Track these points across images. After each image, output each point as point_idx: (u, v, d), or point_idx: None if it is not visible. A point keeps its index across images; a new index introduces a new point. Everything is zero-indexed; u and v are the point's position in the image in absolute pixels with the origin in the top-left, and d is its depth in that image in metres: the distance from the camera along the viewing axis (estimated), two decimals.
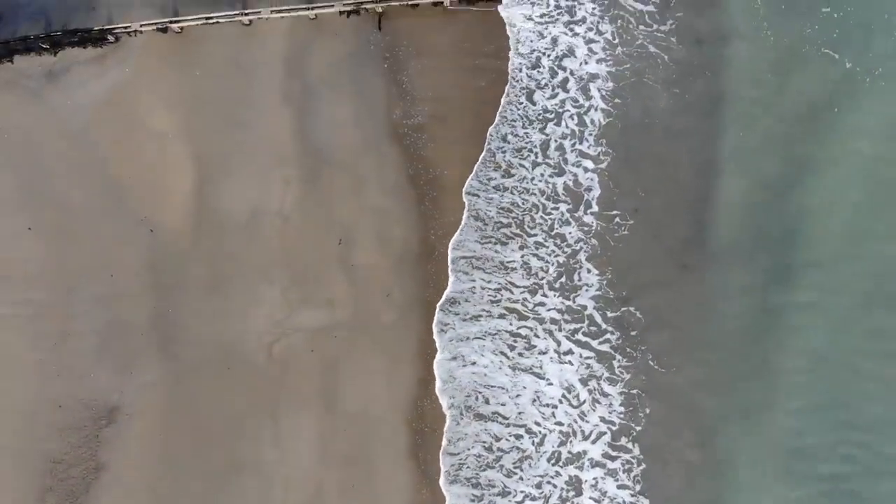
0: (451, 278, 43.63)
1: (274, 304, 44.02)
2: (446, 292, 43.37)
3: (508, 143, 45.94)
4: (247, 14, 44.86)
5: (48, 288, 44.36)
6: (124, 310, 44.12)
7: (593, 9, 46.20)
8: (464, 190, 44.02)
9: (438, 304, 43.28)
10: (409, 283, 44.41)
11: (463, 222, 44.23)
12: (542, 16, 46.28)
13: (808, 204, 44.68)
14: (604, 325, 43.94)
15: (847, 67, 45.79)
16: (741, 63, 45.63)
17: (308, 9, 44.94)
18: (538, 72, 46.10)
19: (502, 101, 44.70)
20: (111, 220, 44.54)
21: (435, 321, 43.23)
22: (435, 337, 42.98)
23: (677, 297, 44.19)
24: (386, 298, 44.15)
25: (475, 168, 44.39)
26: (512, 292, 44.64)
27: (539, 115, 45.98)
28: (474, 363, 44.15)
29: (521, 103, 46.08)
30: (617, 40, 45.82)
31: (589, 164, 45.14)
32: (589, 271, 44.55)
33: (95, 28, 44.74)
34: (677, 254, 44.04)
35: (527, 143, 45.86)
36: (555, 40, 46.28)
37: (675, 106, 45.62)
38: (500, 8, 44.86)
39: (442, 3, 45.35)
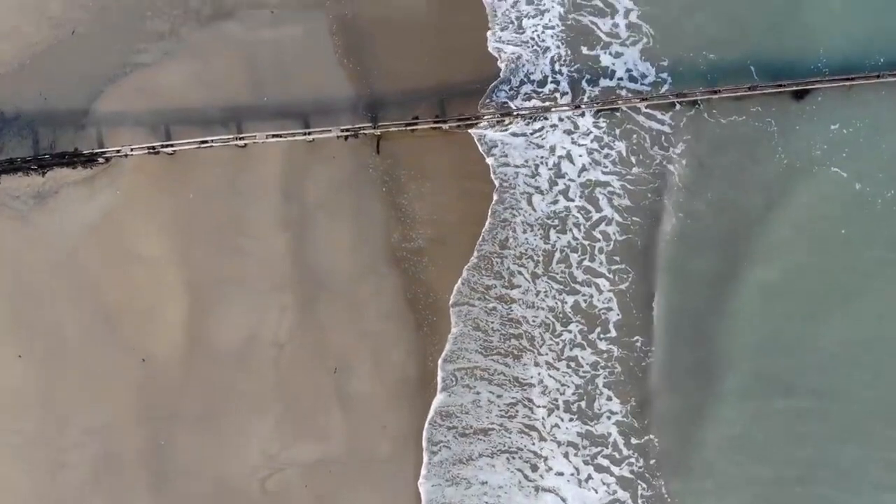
0: (441, 394, 43.08)
1: (267, 437, 42.81)
2: (435, 403, 42.78)
3: (508, 248, 45.07)
4: (242, 138, 43.82)
5: (39, 417, 43.13)
6: (116, 442, 42.87)
7: (597, 121, 45.40)
8: (451, 298, 43.38)
9: (428, 419, 42.70)
10: (407, 414, 43.25)
11: (452, 331, 43.58)
12: (533, 132, 45.35)
13: (826, 339, 43.70)
14: (626, 452, 43.19)
15: (857, 189, 44.83)
16: (752, 185, 44.59)
17: (305, 133, 43.84)
18: (536, 179, 45.18)
19: (493, 199, 43.87)
20: (102, 349, 43.33)
21: (424, 438, 42.62)
22: (424, 455, 42.46)
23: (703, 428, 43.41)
24: (382, 430, 43.00)
25: (463, 272, 43.78)
26: (530, 410, 43.76)
27: (540, 220, 45.19)
28: (485, 482, 43.40)
29: (521, 207, 45.10)
30: (630, 156, 44.92)
31: (604, 283, 44.43)
32: (609, 399, 43.78)
33: (85, 152, 43.72)
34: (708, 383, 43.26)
35: (527, 249, 45.19)
36: (553, 149, 45.24)
37: (688, 227, 44.51)
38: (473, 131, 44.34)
39: (440, 123, 44.24)
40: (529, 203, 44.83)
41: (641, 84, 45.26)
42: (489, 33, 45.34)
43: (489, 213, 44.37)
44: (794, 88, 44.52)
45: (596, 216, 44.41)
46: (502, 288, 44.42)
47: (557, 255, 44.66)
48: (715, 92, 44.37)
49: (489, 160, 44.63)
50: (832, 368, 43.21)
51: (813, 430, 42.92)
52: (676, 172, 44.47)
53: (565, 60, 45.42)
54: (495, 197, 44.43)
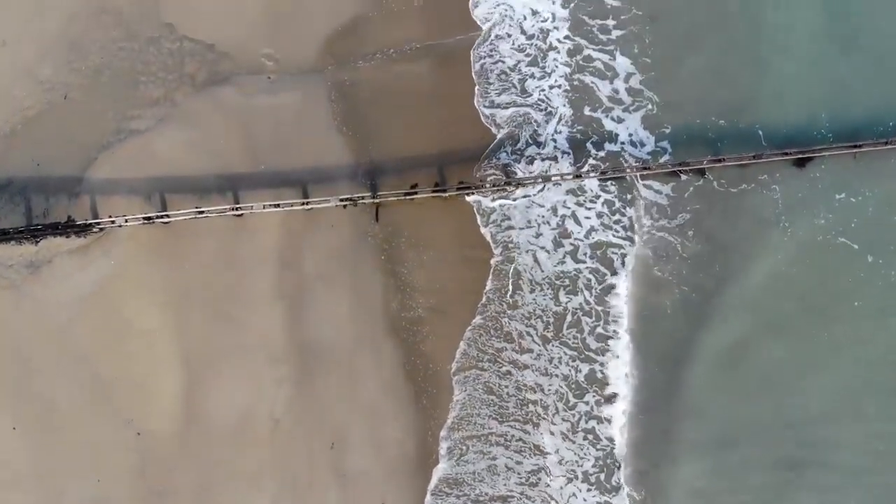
0: (444, 463, 42.56)
1: None
2: (437, 472, 42.14)
3: (517, 308, 44.32)
4: (239, 209, 43.05)
5: (34, 491, 42.39)
6: None
7: (603, 185, 44.66)
8: (455, 362, 42.78)
9: (429, 488, 42.22)
10: (405, 491, 42.67)
11: (458, 397, 43.00)
12: (536, 192, 44.72)
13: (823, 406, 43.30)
14: None
15: (869, 261, 44.14)
16: (758, 256, 43.79)
17: (303, 203, 43.04)
18: (539, 239, 44.44)
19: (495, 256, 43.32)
20: (98, 421, 42.54)
21: None
22: None
23: None
24: None
25: (465, 333, 43.15)
26: (546, 477, 43.34)
27: (548, 279, 44.43)
28: None
29: (527, 264, 44.35)
30: (631, 223, 44.26)
31: (622, 353, 43.71)
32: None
33: (79, 222, 42.87)
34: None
35: (535, 309, 44.38)
36: (555, 209, 44.53)
37: (692, 299, 43.75)
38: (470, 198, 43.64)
39: (440, 191, 43.47)
40: (535, 261, 44.18)
41: (642, 151, 44.42)
42: (479, 98, 44.41)
43: (491, 272, 43.66)
44: (800, 156, 43.79)
45: (609, 280, 43.76)
46: (513, 352, 43.83)
47: (569, 318, 44.26)
48: (719, 161, 43.62)
49: (487, 230, 43.75)
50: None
51: None
52: (679, 243, 43.77)
53: (565, 124, 44.53)
54: (499, 256, 43.71)
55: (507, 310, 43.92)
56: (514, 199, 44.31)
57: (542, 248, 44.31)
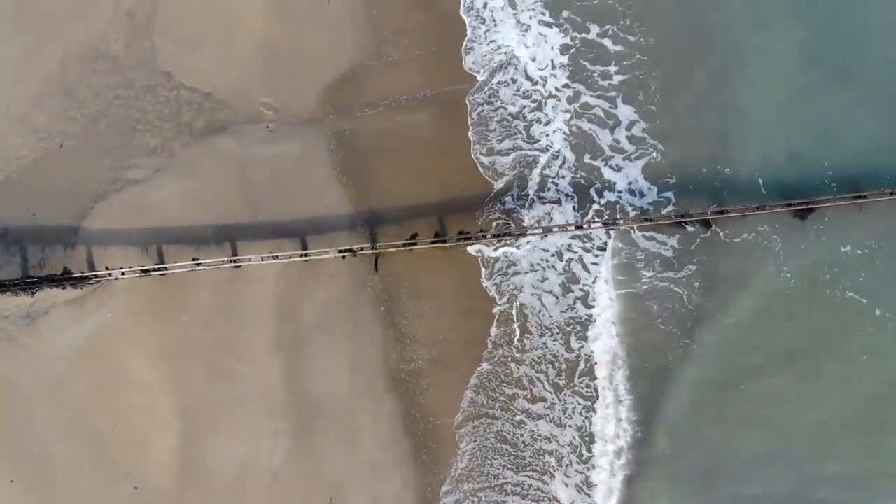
0: None
1: None
2: None
3: (526, 352, 43.53)
4: (236, 261, 42.61)
5: None
6: None
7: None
8: (459, 414, 42.35)
9: None
10: None
11: (464, 448, 42.71)
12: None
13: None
14: None
15: (877, 315, 43.51)
16: (764, 310, 43.24)
17: (302, 255, 42.59)
18: (546, 283, 43.78)
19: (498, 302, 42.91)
20: (95, 475, 42.18)
21: None
22: None
23: None
24: None
25: (471, 380, 42.75)
26: None
27: (559, 324, 43.60)
28: None
29: (535, 307, 43.50)
30: (632, 275, 43.70)
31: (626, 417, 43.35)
32: None
33: (75, 275, 42.42)
34: None
35: (546, 353, 43.67)
36: (560, 254, 44.05)
37: (696, 354, 43.23)
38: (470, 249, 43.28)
39: (440, 241, 42.93)
40: (543, 305, 43.61)
41: (643, 200, 43.95)
42: (476, 146, 43.96)
43: (496, 319, 43.10)
44: (804, 207, 43.33)
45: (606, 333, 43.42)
46: (525, 400, 43.41)
47: (582, 365, 43.68)
48: (722, 212, 43.14)
49: (491, 283, 43.23)
50: None
51: None
52: (683, 295, 43.32)
53: (568, 169, 43.98)
54: (504, 304, 43.10)
55: (515, 354, 43.44)
56: (518, 246, 44.12)
57: (549, 292, 43.94)
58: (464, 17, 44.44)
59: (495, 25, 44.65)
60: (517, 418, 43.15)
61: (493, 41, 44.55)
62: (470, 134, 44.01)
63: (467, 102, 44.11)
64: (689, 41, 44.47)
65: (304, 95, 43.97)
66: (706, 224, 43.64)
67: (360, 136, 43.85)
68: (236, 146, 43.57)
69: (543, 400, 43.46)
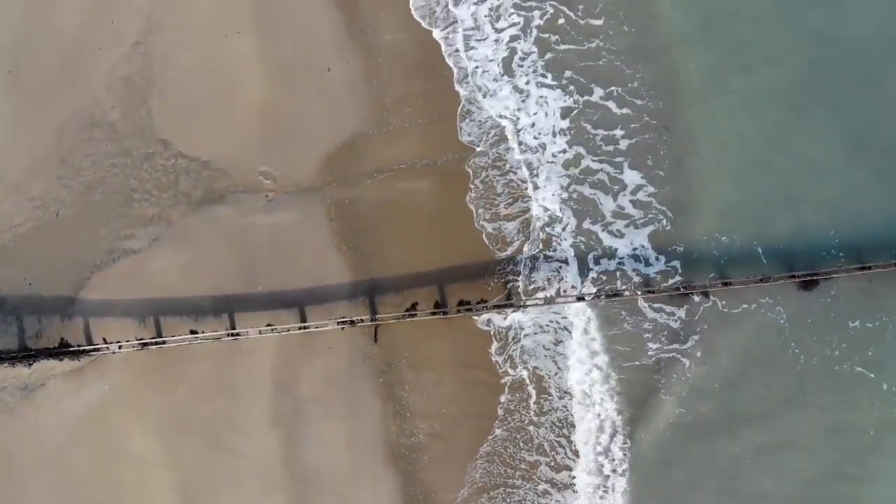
0: None
1: None
2: None
3: (543, 415, 42.69)
4: (234, 334, 42.09)
5: None
6: None
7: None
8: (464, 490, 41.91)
9: None
10: None
11: None
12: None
13: None
14: None
15: (884, 389, 42.54)
16: (769, 386, 42.33)
17: (300, 328, 42.08)
18: (560, 346, 42.93)
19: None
20: None
21: None
22: None
23: None
24: None
25: (485, 446, 42.12)
26: None
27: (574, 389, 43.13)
28: None
29: (551, 370, 42.73)
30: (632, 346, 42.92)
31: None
32: None
33: (72, 349, 41.99)
34: None
35: (566, 415, 42.95)
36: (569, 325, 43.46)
37: (697, 427, 42.62)
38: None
39: (440, 312, 42.31)
40: (558, 367, 42.78)
41: (647, 269, 43.13)
42: (477, 213, 43.25)
43: (508, 385, 42.34)
44: (809, 279, 42.58)
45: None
46: (548, 468, 42.56)
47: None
48: (726, 284, 42.43)
49: (500, 354, 42.45)
50: None
51: None
52: (685, 367, 42.56)
53: (571, 234, 43.19)
54: (520, 371, 42.36)
55: (533, 417, 42.59)
56: (525, 311, 43.22)
57: (562, 354, 43.00)
58: (458, 90, 43.87)
59: (492, 95, 43.99)
60: (540, 488, 42.60)
61: (490, 111, 43.69)
62: (470, 202, 43.24)
63: (468, 169, 43.54)
64: (697, 108, 43.71)
65: (304, 164, 43.40)
66: (707, 294, 42.89)
67: (360, 204, 43.25)
68: (235, 216, 43.05)
69: (568, 468, 42.81)
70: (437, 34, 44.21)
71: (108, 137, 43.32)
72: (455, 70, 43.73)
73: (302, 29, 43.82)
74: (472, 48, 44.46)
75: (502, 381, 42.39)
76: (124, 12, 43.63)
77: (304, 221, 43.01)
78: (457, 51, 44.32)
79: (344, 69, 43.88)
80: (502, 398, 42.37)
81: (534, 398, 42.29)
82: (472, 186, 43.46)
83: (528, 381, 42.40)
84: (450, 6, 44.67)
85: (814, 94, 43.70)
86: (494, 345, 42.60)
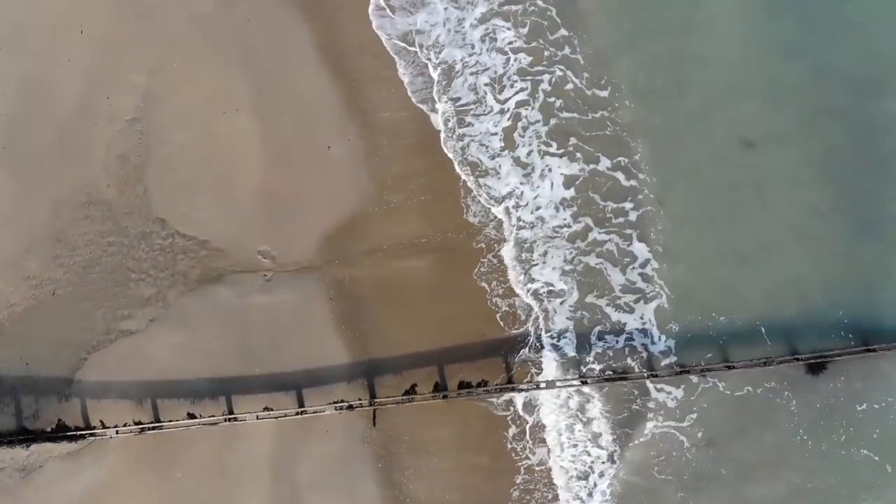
0: None
1: None
2: None
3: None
4: (233, 419, 41.70)
5: None
6: None
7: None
8: None
9: None
10: None
11: None
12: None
13: None
14: None
15: (888, 471, 42.17)
16: (774, 469, 42.12)
17: (298, 413, 41.63)
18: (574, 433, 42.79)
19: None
20: None
21: None
22: None
23: None
24: None
25: None
26: None
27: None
28: None
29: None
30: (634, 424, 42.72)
31: None
32: None
33: (69, 433, 41.59)
34: None
35: None
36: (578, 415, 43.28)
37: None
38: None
39: (440, 394, 41.81)
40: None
41: (652, 347, 42.79)
42: (492, 286, 42.79)
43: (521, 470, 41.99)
44: (815, 360, 42.10)
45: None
46: None
47: None
48: (729, 367, 42.06)
49: (515, 444, 42.08)
50: None
51: None
52: (687, 449, 42.25)
53: (574, 310, 42.93)
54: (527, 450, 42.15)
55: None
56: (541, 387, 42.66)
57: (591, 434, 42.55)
58: (459, 172, 43.37)
59: (496, 174, 43.52)
60: None
61: (494, 189, 43.32)
62: (479, 278, 42.75)
63: (479, 246, 42.98)
64: (696, 183, 43.47)
65: (303, 243, 42.86)
66: (707, 373, 42.54)
67: (359, 283, 42.73)
68: (233, 296, 42.53)
69: None
70: (434, 120, 43.66)
71: (105, 216, 42.74)
72: (452, 155, 43.34)
73: (301, 107, 43.30)
74: (469, 124, 44.09)
75: (519, 463, 42.08)
76: (120, 88, 42.99)
77: (303, 302, 42.51)
78: (457, 137, 43.82)
79: (344, 147, 43.31)
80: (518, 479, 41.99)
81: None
82: (483, 261, 42.89)
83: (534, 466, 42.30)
84: (442, 84, 44.06)
85: (821, 170, 43.33)
86: (512, 429, 42.16)
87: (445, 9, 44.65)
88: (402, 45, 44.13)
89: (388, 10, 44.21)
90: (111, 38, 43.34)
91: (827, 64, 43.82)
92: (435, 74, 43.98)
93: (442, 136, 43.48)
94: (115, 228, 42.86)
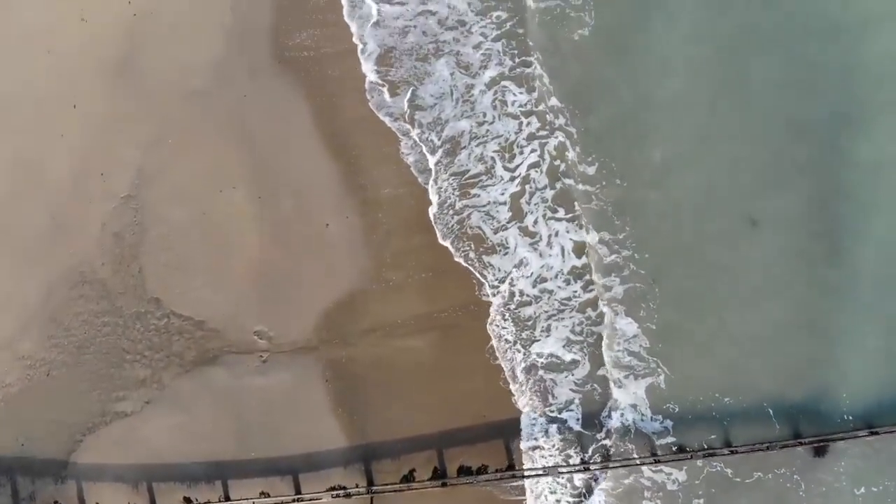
0: None
1: None
2: None
3: None
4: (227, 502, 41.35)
5: None
6: None
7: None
8: None
9: None
10: None
11: None
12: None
13: None
14: None
15: None
16: None
17: (294, 500, 41.11)
18: None
19: None
20: None
21: None
22: None
23: None
24: None
25: None
26: None
27: None
28: None
29: None
30: None
31: None
32: None
33: None
34: None
35: None
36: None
37: None
38: None
39: (439, 480, 41.13)
40: None
41: (654, 427, 42.24)
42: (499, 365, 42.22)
43: None
44: (818, 443, 41.48)
45: None
46: None
47: None
48: (733, 452, 41.58)
49: None
50: None
51: None
52: None
53: (578, 389, 42.38)
54: None
55: None
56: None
57: None
58: (463, 263, 42.68)
59: (503, 252, 42.85)
60: None
61: (496, 263, 42.80)
62: (478, 357, 42.11)
63: (475, 325, 42.27)
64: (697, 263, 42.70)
65: (300, 323, 42.22)
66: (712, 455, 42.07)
67: (357, 364, 42.09)
68: (228, 378, 41.96)
69: None
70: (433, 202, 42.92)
71: (99, 295, 42.18)
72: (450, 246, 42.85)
73: (299, 184, 42.50)
74: (476, 196, 43.33)
75: None
76: (115, 164, 42.21)
77: (299, 383, 41.91)
78: (455, 212, 43.09)
79: (342, 224, 42.56)
80: None
81: None
82: (483, 340, 42.25)
83: None
84: (443, 163, 43.20)
85: (827, 251, 42.40)
86: None
87: (452, 74, 43.81)
88: (406, 126, 43.19)
89: (385, 89, 43.18)
90: (105, 113, 42.49)
91: (835, 141, 43.09)
92: (433, 158, 43.06)
93: (434, 214, 42.83)
94: (109, 308, 42.35)
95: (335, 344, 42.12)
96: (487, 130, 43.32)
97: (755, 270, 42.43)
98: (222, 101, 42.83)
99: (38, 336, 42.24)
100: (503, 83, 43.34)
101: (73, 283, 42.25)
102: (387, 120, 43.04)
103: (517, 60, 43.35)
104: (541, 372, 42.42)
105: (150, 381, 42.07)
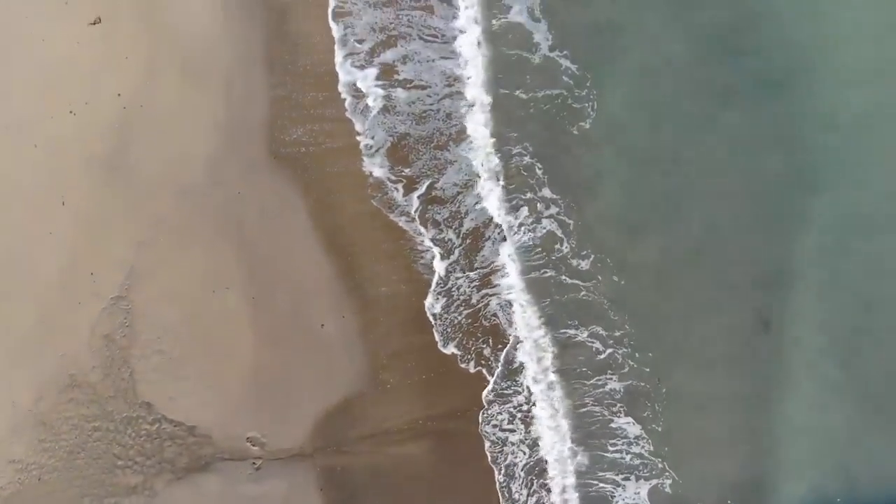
0: None
1: None
2: None
3: None
4: None
5: None
6: None
7: None
8: None
9: None
10: None
11: None
12: None
13: None
14: None
15: None
16: None
17: None
18: None
19: None
20: None
21: None
22: None
23: None
24: None
25: None
26: None
27: None
28: None
29: None
30: None
31: None
32: None
33: None
34: None
35: None
36: None
37: None
38: None
39: None
40: None
41: None
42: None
43: None
44: None
45: None
46: None
47: None
48: None
49: None
50: None
51: None
52: None
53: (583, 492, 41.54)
54: None
55: None
56: None
57: None
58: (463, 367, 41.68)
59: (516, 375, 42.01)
60: None
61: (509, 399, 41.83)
62: (478, 463, 41.02)
63: (474, 430, 41.20)
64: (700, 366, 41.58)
65: (294, 428, 40.90)
66: None
67: (352, 472, 40.76)
68: (221, 485, 40.64)
69: None
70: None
71: (90, 399, 40.92)
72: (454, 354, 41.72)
73: (294, 283, 41.18)
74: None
75: None
76: (105, 264, 40.84)
77: (293, 492, 40.48)
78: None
79: (338, 325, 41.26)
80: None
81: None
82: (482, 445, 41.25)
83: None
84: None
85: (830, 349, 41.31)
86: None
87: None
88: (419, 226, 42.13)
89: (399, 186, 41.94)
90: (95, 210, 41.10)
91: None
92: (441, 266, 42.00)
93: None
94: (100, 413, 41.12)
95: (329, 451, 40.75)
96: None
97: (765, 374, 41.29)
98: (216, 198, 41.46)
99: (29, 439, 40.92)
100: None
101: (63, 387, 40.98)
102: (401, 221, 41.96)
103: None
104: (546, 479, 41.47)
105: (142, 488, 40.87)
